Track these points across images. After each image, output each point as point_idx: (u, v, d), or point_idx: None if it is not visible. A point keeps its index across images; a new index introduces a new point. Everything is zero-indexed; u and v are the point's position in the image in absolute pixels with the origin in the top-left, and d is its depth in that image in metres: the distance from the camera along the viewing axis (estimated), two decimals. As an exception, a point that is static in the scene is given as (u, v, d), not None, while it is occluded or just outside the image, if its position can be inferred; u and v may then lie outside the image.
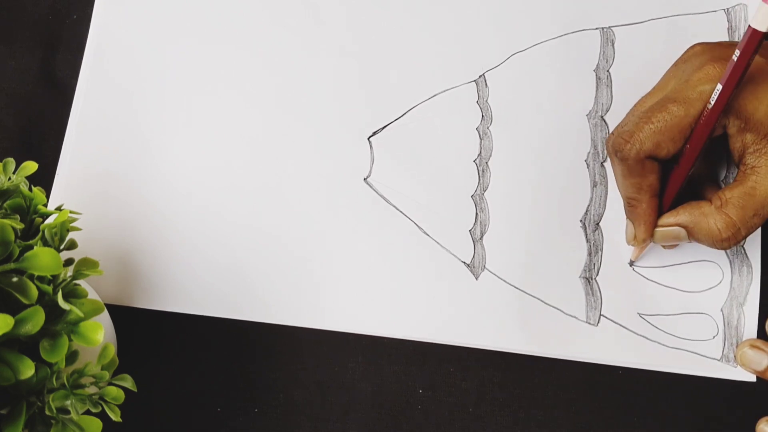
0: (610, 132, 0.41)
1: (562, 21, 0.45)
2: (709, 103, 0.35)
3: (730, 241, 0.37)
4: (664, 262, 0.42)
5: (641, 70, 0.43)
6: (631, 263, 0.42)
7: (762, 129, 0.36)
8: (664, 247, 0.41)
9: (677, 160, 0.38)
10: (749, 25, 0.33)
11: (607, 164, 0.43)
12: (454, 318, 0.41)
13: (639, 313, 0.41)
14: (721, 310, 0.41)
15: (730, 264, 0.42)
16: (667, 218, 0.39)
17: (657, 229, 0.39)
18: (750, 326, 0.41)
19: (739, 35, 0.44)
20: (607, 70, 0.44)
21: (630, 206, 0.39)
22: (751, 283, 0.41)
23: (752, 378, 0.40)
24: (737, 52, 0.34)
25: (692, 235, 0.38)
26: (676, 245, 0.41)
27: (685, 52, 0.40)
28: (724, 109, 0.35)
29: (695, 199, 0.39)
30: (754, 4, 0.44)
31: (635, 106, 0.40)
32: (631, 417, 0.40)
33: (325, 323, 0.41)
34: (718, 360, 0.40)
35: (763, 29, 0.33)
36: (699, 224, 0.37)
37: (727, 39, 0.44)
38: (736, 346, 0.40)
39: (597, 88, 0.44)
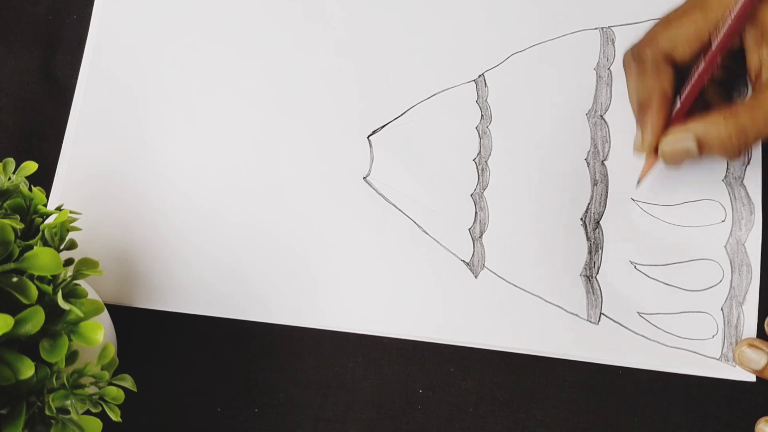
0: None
1: (561, 21, 0.45)
2: (732, 10, 0.35)
3: (741, 147, 0.36)
4: (664, 261, 0.42)
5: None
6: (639, 182, 0.41)
7: None
8: (669, 167, 0.40)
9: (693, 72, 0.38)
10: None
11: (608, 162, 0.43)
12: (453, 317, 0.41)
13: (639, 312, 0.41)
14: (722, 309, 0.41)
15: (730, 263, 0.42)
16: (676, 129, 0.38)
17: (665, 139, 0.38)
18: (749, 325, 0.41)
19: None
20: (608, 69, 0.44)
21: (641, 112, 0.39)
22: (751, 282, 0.41)
23: (752, 378, 0.40)
24: None
25: (703, 146, 0.37)
26: (682, 165, 0.40)
27: None
28: (744, 19, 0.35)
29: None
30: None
31: (663, 17, 0.40)
32: (631, 417, 0.40)
33: (325, 323, 0.41)
34: (718, 359, 0.40)
35: None
36: (709, 133, 0.37)
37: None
38: (735, 346, 0.40)
39: (597, 86, 0.44)
